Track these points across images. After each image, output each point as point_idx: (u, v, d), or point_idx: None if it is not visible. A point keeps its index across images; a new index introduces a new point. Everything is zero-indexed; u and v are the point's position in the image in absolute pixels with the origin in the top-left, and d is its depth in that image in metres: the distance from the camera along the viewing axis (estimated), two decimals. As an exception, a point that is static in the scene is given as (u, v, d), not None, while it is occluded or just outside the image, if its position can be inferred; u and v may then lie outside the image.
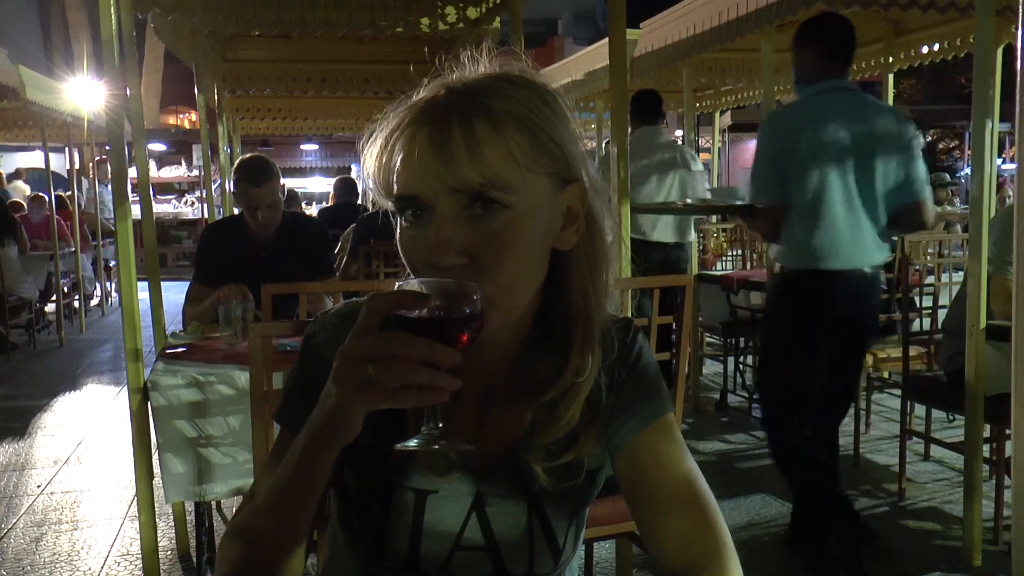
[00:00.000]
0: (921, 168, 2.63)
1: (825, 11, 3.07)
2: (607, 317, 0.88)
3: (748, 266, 6.45)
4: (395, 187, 0.77)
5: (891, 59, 5.08)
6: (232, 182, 3.12)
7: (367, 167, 0.80)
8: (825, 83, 2.66)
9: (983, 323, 2.70)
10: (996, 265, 2.76)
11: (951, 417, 4.17)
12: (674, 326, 2.17)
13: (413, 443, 0.72)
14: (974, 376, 2.73)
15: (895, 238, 3.29)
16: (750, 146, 15.39)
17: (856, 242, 2.61)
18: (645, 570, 2.65)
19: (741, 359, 5.18)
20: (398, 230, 0.80)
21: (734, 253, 7.21)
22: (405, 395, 0.68)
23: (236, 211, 3.27)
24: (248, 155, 3.14)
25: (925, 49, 4.88)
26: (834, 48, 2.68)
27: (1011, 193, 11.01)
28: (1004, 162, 12.53)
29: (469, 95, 0.76)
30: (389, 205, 0.80)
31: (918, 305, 3.70)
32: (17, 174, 11.88)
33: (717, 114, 7.59)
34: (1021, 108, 1.22)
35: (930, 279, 3.84)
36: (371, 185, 0.80)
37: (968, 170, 14.36)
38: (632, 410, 0.88)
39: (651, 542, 0.85)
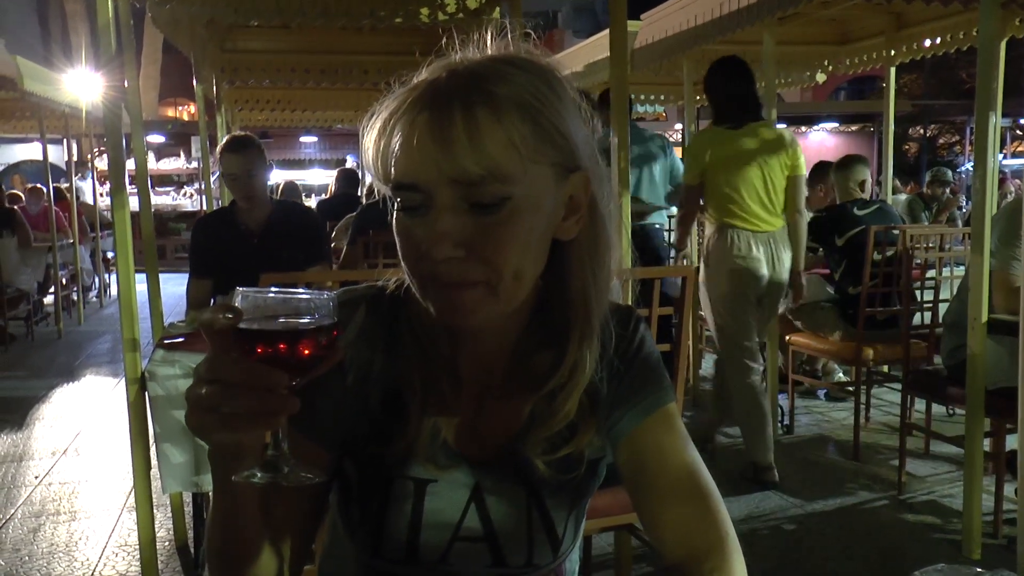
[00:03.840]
0: (678, 165, 4.27)
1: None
2: (607, 307, 0.86)
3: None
4: (393, 173, 0.74)
5: (893, 52, 5.06)
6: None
7: (366, 151, 0.77)
8: None
9: (984, 317, 2.69)
10: (998, 259, 2.76)
11: (951, 411, 4.16)
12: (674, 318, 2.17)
13: (258, 476, 0.66)
14: (975, 370, 2.72)
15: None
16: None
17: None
18: (643, 562, 2.65)
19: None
20: (393, 216, 0.77)
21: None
22: (239, 421, 0.63)
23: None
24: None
25: (928, 42, 4.86)
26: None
27: (1012, 189, 11.00)
28: (1005, 157, 12.48)
29: (471, 79, 0.73)
30: (387, 190, 0.77)
31: (919, 299, 3.69)
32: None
33: (718, 107, 7.55)
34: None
35: (931, 273, 3.83)
36: (369, 169, 0.77)
37: (969, 165, 14.32)
38: (633, 400, 0.87)
39: (653, 532, 0.84)
